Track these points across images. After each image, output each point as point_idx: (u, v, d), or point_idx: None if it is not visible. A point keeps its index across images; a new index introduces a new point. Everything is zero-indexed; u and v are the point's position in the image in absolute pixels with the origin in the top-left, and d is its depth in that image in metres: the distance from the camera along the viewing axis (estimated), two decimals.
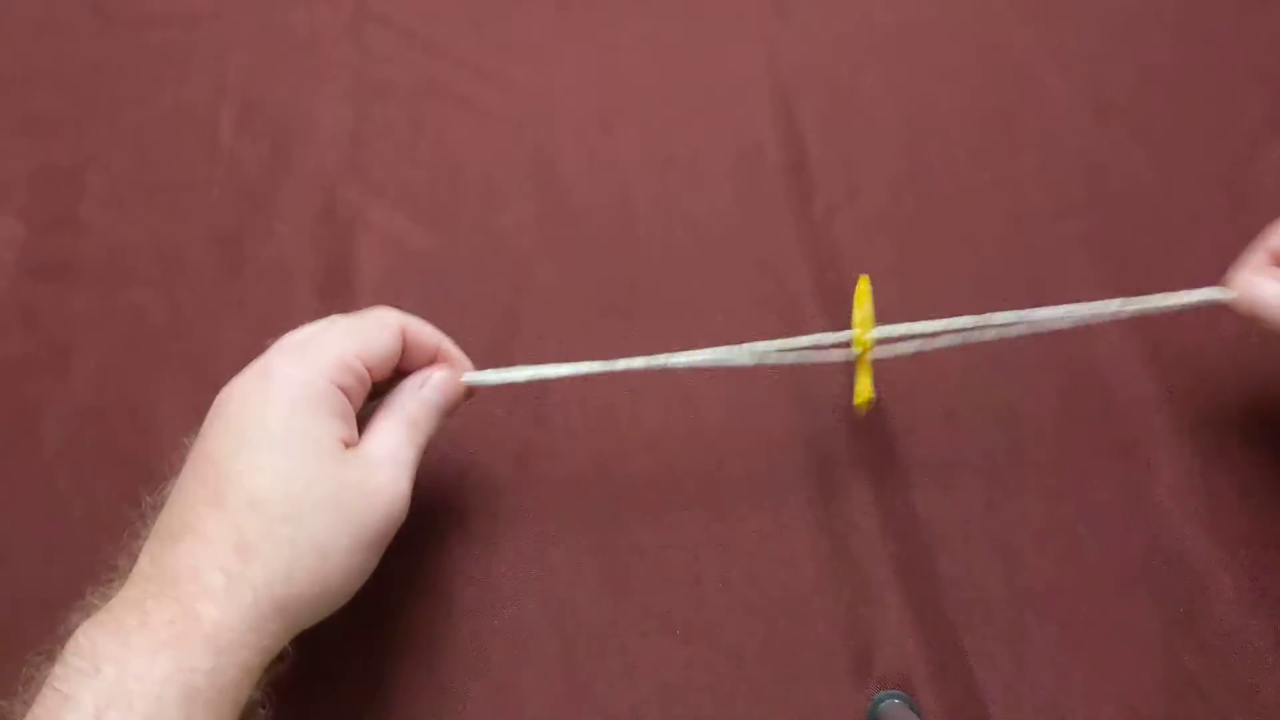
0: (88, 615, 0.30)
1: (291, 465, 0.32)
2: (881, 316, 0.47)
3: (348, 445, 0.34)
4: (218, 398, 0.35)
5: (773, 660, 0.40)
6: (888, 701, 0.38)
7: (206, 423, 0.34)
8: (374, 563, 0.34)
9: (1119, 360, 0.45)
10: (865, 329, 0.39)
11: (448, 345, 0.39)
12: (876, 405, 0.45)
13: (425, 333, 0.38)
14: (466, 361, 0.39)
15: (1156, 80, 0.53)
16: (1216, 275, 0.46)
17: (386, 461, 0.34)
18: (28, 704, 0.28)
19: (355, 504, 0.33)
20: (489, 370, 0.39)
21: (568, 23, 0.56)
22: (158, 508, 0.33)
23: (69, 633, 0.30)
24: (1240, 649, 0.39)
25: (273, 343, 0.36)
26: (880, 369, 0.45)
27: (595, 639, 0.41)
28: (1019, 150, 0.51)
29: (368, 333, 0.36)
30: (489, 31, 0.56)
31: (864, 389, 0.39)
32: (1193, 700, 0.38)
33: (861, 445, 0.44)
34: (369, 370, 0.35)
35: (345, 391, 0.34)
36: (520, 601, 0.41)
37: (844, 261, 0.48)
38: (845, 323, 0.47)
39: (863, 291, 0.40)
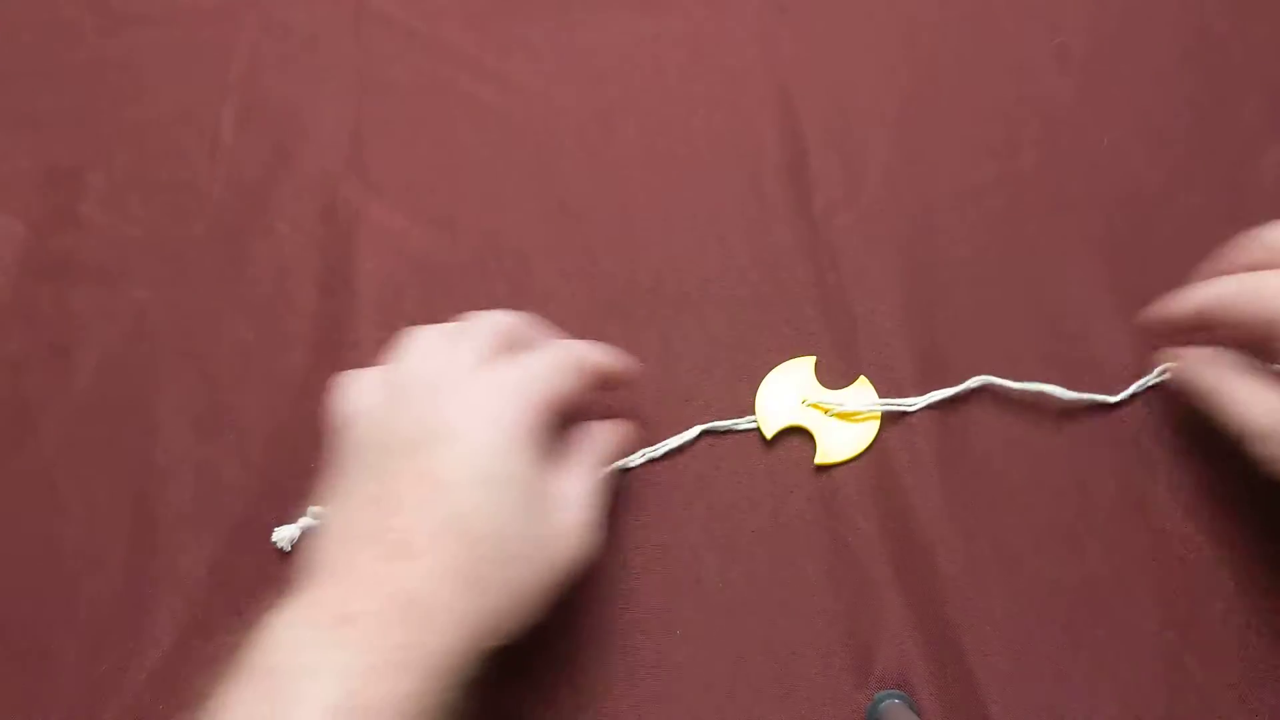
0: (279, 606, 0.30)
1: (516, 507, 0.33)
2: (882, 316, 0.47)
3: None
4: (417, 403, 0.34)
5: (773, 660, 0.40)
6: (888, 701, 0.38)
7: (418, 434, 0.33)
8: (558, 595, 0.34)
9: (1119, 360, 0.45)
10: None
11: (627, 375, 0.41)
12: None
13: (604, 365, 0.39)
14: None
15: (1157, 80, 0.52)
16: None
17: (579, 504, 0.35)
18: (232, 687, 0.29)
19: (556, 548, 0.34)
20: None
21: (568, 22, 0.56)
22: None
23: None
24: (1240, 649, 0.39)
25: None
26: (880, 368, 0.45)
27: (595, 639, 0.41)
28: (1019, 149, 0.51)
29: (565, 366, 0.37)
30: (490, 31, 0.56)
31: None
32: (1193, 700, 0.38)
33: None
34: (565, 414, 0.37)
35: (550, 425, 0.35)
36: None
37: (844, 261, 0.48)
38: (845, 322, 0.47)
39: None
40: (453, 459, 0.33)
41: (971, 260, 0.48)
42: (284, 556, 0.42)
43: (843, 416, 0.43)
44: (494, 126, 0.53)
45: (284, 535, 0.42)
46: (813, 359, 0.45)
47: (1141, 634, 0.40)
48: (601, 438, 0.39)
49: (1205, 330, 0.39)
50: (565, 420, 0.38)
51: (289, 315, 0.49)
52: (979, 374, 0.44)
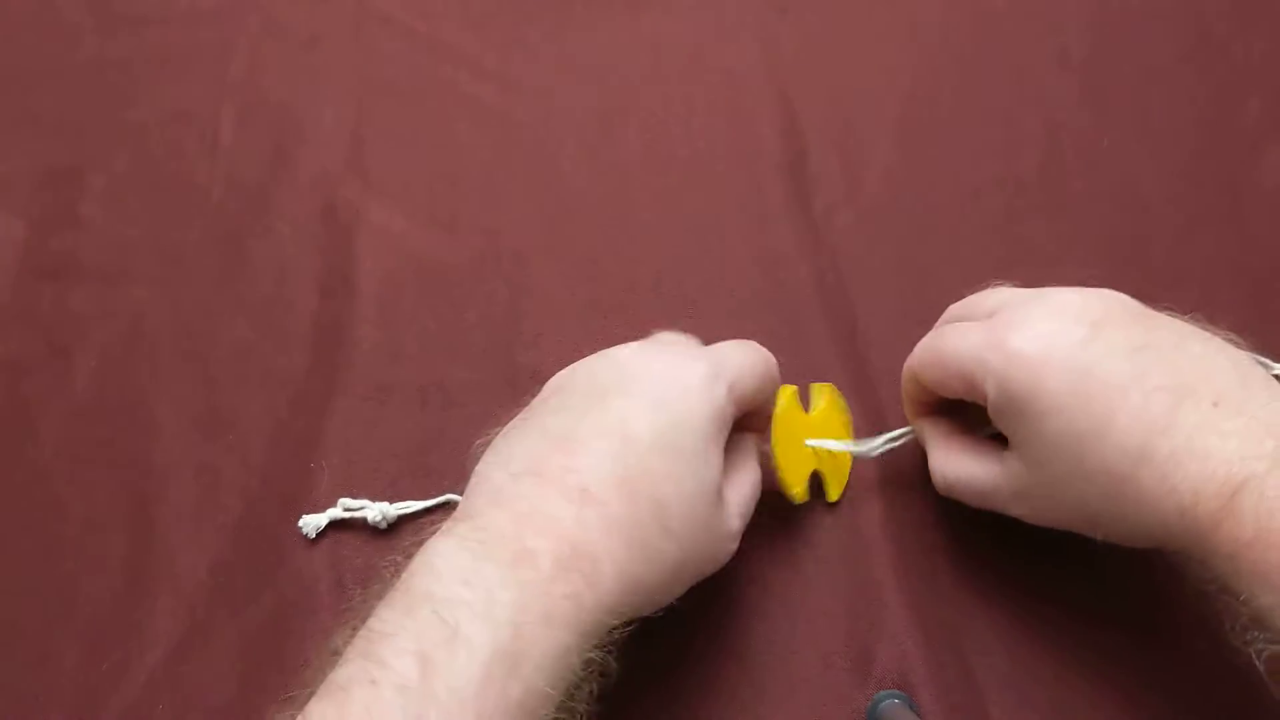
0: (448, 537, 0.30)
1: (695, 485, 0.32)
2: (881, 315, 0.47)
3: None
4: (615, 359, 0.35)
5: (773, 660, 0.40)
6: (888, 701, 0.38)
7: (606, 378, 0.34)
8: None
9: None
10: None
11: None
12: (878, 404, 0.45)
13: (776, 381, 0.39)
14: None
15: (1157, 80, 0.53)
16: (1216, 274, 0.46)
17: (737, 512, 0.35)
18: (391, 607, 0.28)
19: (713, 544, 0.34)
20: None
21: (568, 22, 0.56)
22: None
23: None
24: (1240, 650, 0.39)
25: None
26: (879, 368, 0.45)
27: None
28: (1019, 149, 0.51)
29: (758, 369, 0.36)
30: (490, 31, 0.56)
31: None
32: (1193, 700, 0.38)
33: None
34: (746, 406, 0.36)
35: (731, 420, 0.35)
36: None
37: (844, 260, 0.48)
38: (845, 322, 0.47)
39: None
40: (646, 417, 0.32)
41: (971, 260, 0.48)
42: (284, 557, 0.42)
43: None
44: (494, 126, 0.53)
45: (311, 523, 0.42)
46: (792, 389, 0.41)
47: (1142, 635, 0.40)
48: (761, 450, 0.38)
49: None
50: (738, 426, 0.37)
51: (289, 315, 0.48)
52: None
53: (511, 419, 0.35)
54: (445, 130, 0.53)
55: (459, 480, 0.43)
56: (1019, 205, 0.49)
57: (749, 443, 0.38)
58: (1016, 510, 0.36)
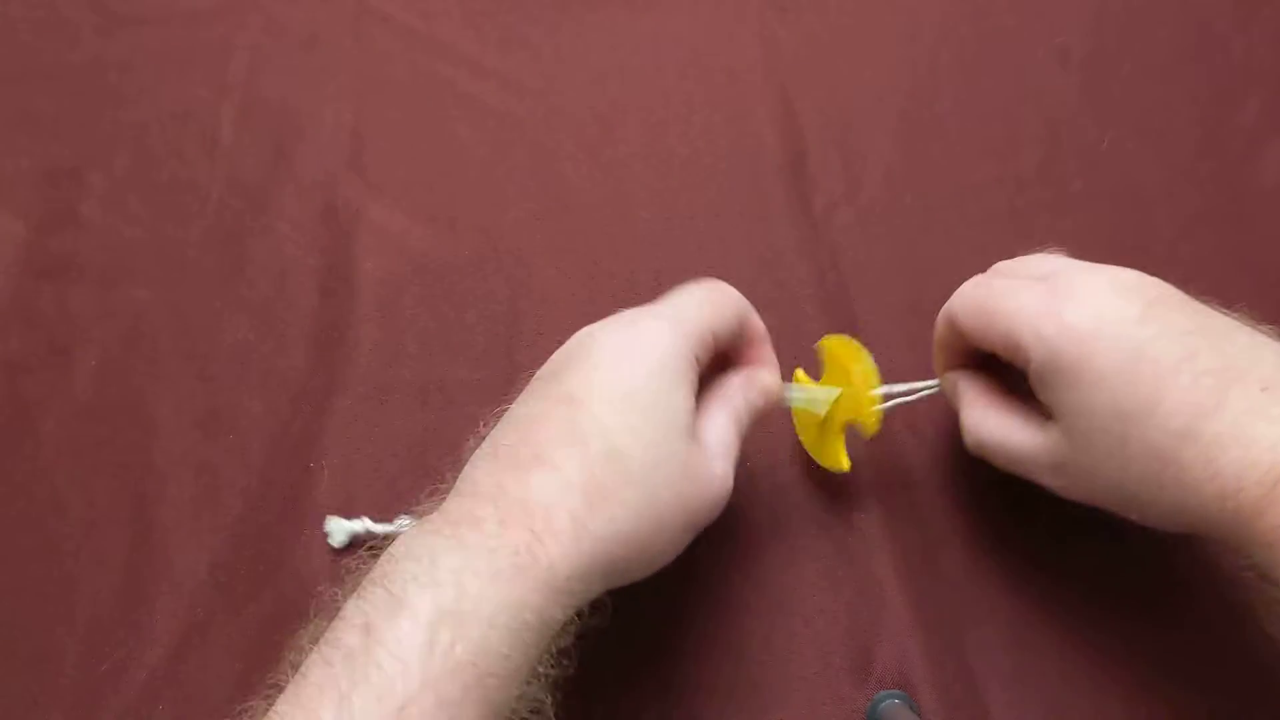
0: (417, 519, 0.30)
1: (655, 431, 0.32)
2: (881, 315, 0.47)
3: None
4: (577, 339, 0.34)
5: (773, 660, 0.40)
6: (888, 701, 0.38)
7: (562, 360, 0.34)
8: (685, 545, 0.33)
9: None
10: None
11: (768, 346, 0.38)
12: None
13: (756, 325, 0.38)
14: (776, 369, 0.39)
15: (1157, 79, 0.52)
16: (1215, 273, 0.46)
17: (719, 452, 0.34)
18: (355, 595, 0.29)
19: (693, 485, 0.33)
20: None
21: (568, 22, 0.56)
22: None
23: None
24: (1241, 649, 0.39)
25: None
26: (879, 368, 0.45)
27: (596, 639, 0.40)
28: (1019, 148, 0.51)
29: (723, 309, 0.36)
30: (489, 30, 0.56)
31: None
32: (1193, 700, 0.38)
33: (862, 445, 0.44)
34: (712, 355, 0.35)
35: (700, 368, 0.34)
36: None
37: (844, 260, 0.48)
38: (845, 322, 0.47)
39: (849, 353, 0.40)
40: (592, 377, 0.32)
41: (971, 259, 0.48)
42: (284, 557, 0.42)
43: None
44: (494, 126, 0.53)
45: (338, 532, 0.42)
46: (797, 372, 0.42)
47: (1142, 634, 0.40)
48: (742, 393, 0.36)
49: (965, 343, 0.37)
50: (716, 367, 0.37)
51: (289, 315, 0.49)
52: None
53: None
54: (445, 129, 0.53)
55: None
56: (1019, 204, 0.49)
57: (729, 385, 0.37)
58: (1050, 481, 0.35)
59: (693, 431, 0.33)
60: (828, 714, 0.39)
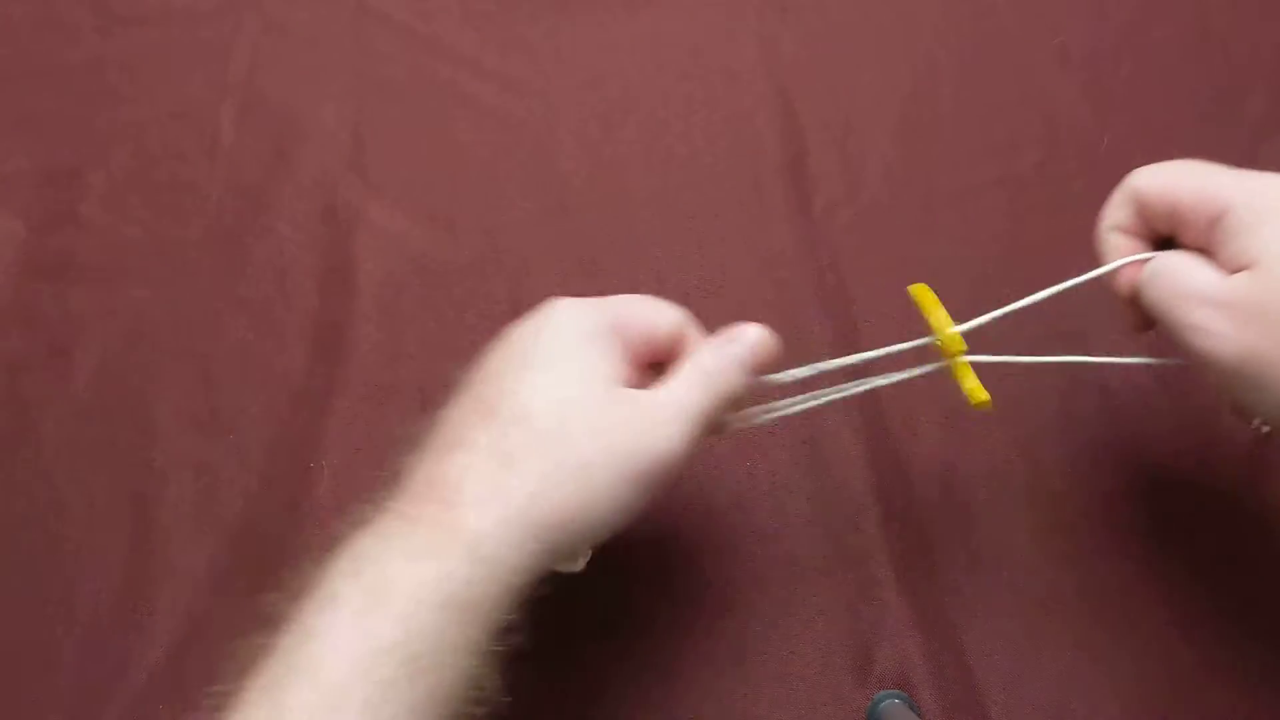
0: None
1: (565, 387, 0.31)
2: (881, 315, 0.47)
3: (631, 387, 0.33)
4: (506, 333, 0.34)
5: (773, 660, 0.40)
6: (888, 701, 0.38)
7: (483, 359, 0.34)
8: (642, 502, 0.32)
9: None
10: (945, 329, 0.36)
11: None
12: (878, 403, 0.45)
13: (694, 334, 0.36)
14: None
15: (1157, 79, 0.52)
16: None
17: (669, 403, 0.33)
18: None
19: (627, 439, 0.31)
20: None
21: (568, 22, 0.56)
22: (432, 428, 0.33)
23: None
24: (1241, 650, 0.39)
25: None
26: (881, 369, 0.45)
27: (596, 639, 0.41)
28: (1019, 147, 0.51)
29: (646, 303, 0.35)
30: (489, 30, 0.56)
31: (976, 390, 0.37)
32: (1193, 700, 0.38)
33: (862, 445, 0.44)
34: (647, 340, 0.34)
35: (625, 344, 0.33)
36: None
37: (844, 260, 0.48)
38: (845, 322, 0.47)
39: (929, 298, 0.37)
40: (501, 355, 0.33)
41: (971, 259, 0.48)
42: (284, 557, 0.42)
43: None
44: (494, 126, 0.53)
45: None
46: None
47: (1142, 633, 0.40)
48: (716, 348, 0.35)
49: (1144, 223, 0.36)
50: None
51: (289, 315, 0.48)
52: (978, 373, 0.44)
53: None
54: (445, 130, 0.53)
55: None
56: (1019, 204, 0.49)
57: (700, 345, 0.35)
58: (1212, 323, 0.32)
59: (620, 388, 0.32)
60: (828, 714, 0.39)
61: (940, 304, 0.37)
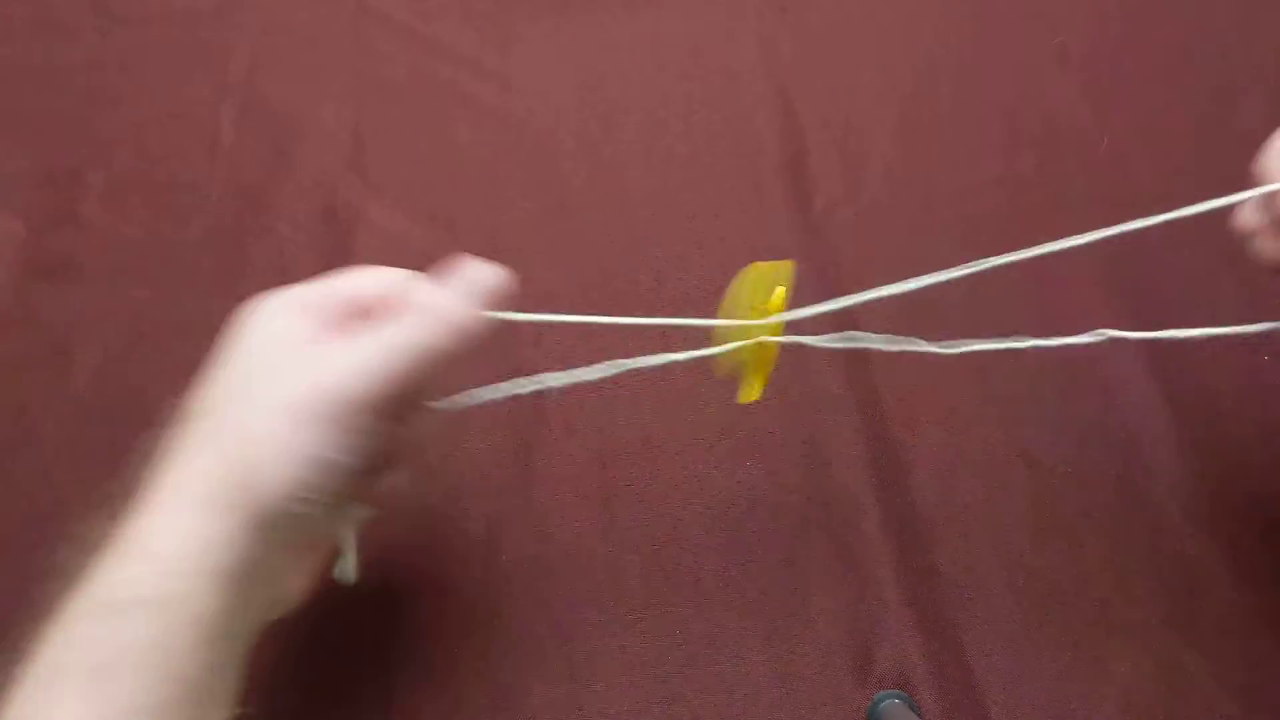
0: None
1: (247, 362, 0.32)
2: (881, 314, 0.47)
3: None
4: None
5: (773, 660, 0.40)
6: (888, 701, 0.38)
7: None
8: (329, 446, 0.30)
9: (1119, 361, 0.45)
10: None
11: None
12: (878, 403, 0.45)
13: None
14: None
15: (1157, 79, 0.52)
16: (1217, 272, 0.46)
17: (356, 345, 0.32)
18: None
19: (301, 379, 0.31)
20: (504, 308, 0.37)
21: (568, 21, 0.56)
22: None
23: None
24: (1240, 649, 0.39)
25: None
26: (879, 367, 0.45)
27: (595, 639, 0.41)
28: (1019, 148, 0.51)
29: (356, 273, 0.35)
30: (489, 30, 0.56)
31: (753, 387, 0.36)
32: (1193, 700, 0.38)
33: (862, 445, 0.44)
34: (349, 303, 0.34)
35: (323, 312, 0.34)
36: (521, 601, 0.41)
37: (844, 259, 0.48)
38: (845, 322, 0.47)
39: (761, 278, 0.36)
40: (213, 369, 0.33)
41: (971, 259, 0.48)
42: None
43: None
44: (494, 126, 0.53)
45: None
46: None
47: (1141, 633, 0.40)
48: (426, 289, 0.35)
49: None
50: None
51: None
52: (978, 377, 0.44)
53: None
54: (445, 130, 0.53)
55: (460, 480, 0.44)
56: (1019, 204, 0.49)
57: (405, 302, 0.34)
58: None
59: (307, 345, 0.32)
60: (828, 714, 0.39)
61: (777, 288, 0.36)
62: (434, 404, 0.36)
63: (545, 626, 0.41)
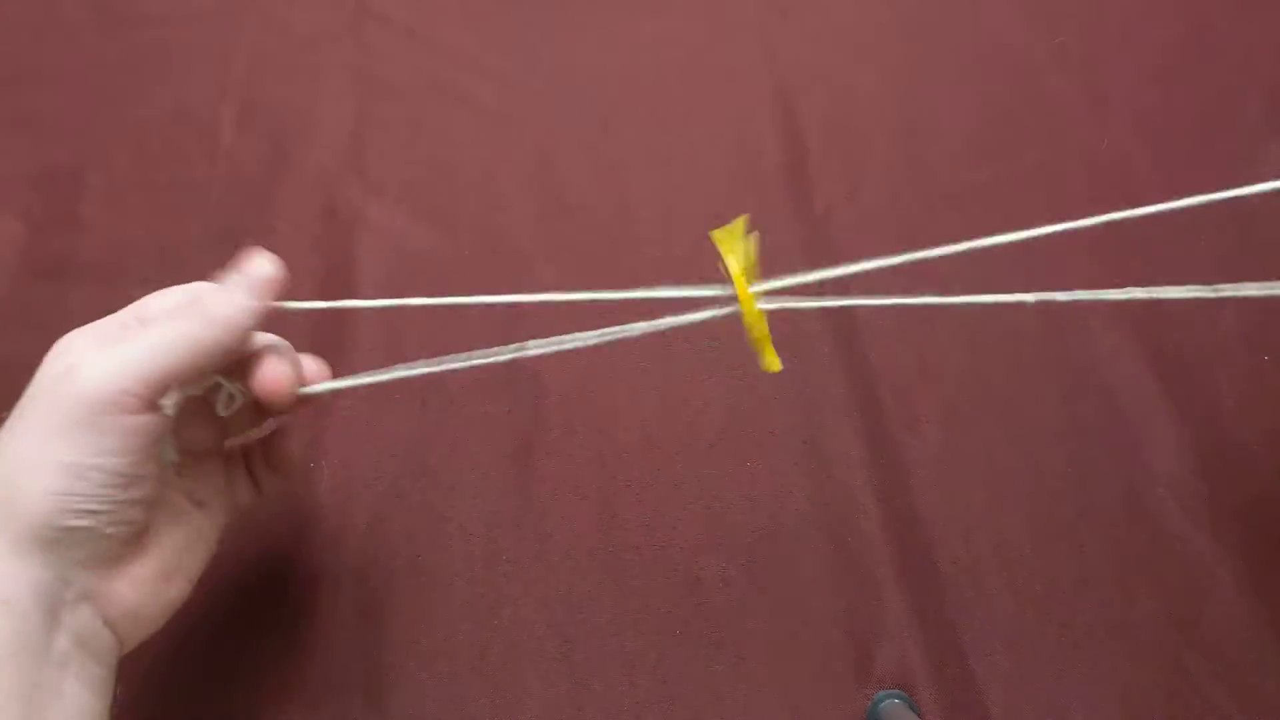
0: None
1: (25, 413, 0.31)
2: (881, 314, 0.47)
3: None
4: None
5: (773, 660, 0.40)
6: (888, 701, 0.38)
7: None
8: (86, 451, 0.29)
9: (1119, 360, 0.45)
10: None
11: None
12: (878, 403, 0.45)
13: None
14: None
15: (1157, 79, 0.53)
16: (1216, 273, 0.46)
17: (99, 354, 0.31)
18: None
19: (61, 390, 0.30)
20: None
21: (568, 22, 0.56)
22: None
23: None
24: (1240, 649, 0.39)
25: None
26: (879, 367, 0.45)
27: (595, 639, 0.41)
28: (1019, 149, 0.51)
29: (153, 296, 0.35)
30: (489, 31, 0.56)
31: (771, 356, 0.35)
32: (1193, 700, 0.38)
33: (862, 445, 0.44)
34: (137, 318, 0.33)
35: (102, 333, 0.32)
36: (520, 601, 0.41)
37: (844, 258, 0.48)
38: (845, 322, 0.47)
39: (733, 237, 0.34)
40: None
41: (971, 258, 0.48)
42: (284, 555, 0.42)
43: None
44: (494, 126, 0.53)
45: None
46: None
47: (1141, 634, 0.40)
48: (190, 290, 0.35)
49: None
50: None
51: (289, 315, 0.48)
52: (978, 377, 0.44)
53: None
54: (445, 129, 0.53)
55: (460, 480, 0.44)
56: (1019, 205, 0.49)
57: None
58: None
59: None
60: (828, 714, 0.39)
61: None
62: (303, 390, 0.36)
63: (545, 626, 0.41)
